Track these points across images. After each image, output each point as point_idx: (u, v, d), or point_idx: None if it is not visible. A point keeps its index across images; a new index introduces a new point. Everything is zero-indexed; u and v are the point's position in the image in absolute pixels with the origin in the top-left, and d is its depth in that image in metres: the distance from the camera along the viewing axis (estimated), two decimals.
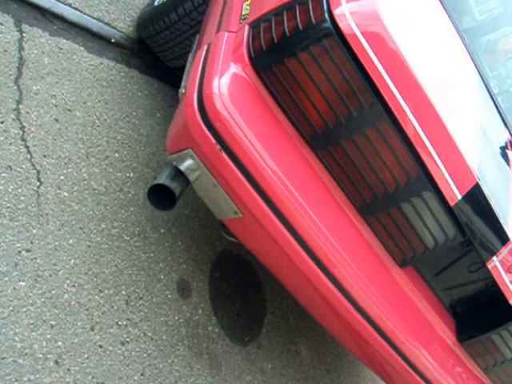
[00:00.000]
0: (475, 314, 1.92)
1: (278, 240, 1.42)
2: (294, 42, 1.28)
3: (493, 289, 1.80)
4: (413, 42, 1.36)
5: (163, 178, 1.41)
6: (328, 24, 1.25)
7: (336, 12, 1.25)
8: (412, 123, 1.33)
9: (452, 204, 1.47)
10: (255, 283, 2.30)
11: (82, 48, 2.05)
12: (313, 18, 1.26)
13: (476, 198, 1.51)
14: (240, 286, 2.21)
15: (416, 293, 1.82)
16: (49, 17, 1.98)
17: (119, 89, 2.12)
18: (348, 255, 1.53)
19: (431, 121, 1.38)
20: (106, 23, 2.21)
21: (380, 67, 1.28)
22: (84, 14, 2.14)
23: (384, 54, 1.27)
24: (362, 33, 1.25)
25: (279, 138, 1.38)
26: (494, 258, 1.63)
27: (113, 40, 2.24)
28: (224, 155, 1.31)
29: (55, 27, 1.98)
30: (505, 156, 1.84)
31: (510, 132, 1.92)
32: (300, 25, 1.28)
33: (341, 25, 1.25)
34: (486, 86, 1.68)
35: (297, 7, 1.32)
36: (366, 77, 1.29)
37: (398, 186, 1.44)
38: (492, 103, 1.76)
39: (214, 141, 1.29)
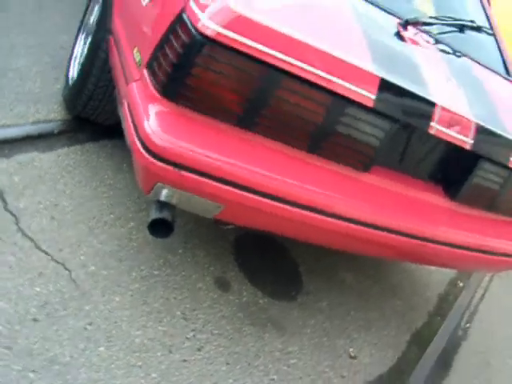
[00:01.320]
0: (449, 172, 2.20)
1: (258, 207, 1.72)
2: (184, 64, 1.56)
3: (448, 148, 2.09)
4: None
5: (153, 214, 1.72)
6: (198, 37, 1.53)
7: (198, 25, 1.54)
8: (307, 70, 1.62)
9: (372, 105, 1.75)
10: (276, 248, 2.61)
11: (35, 153, 2.34)
12: (186, 40, 1.54)
13: (387, 89, 1.78)
14: (265, 257, 2.53)
15: (395, 183, 2.10)
16: None
17: (83, 165, 2.41)
18: (320, 188, 1.83)
19: (319, 59, 1.66)
20: (43, 121, 2.50)
21: (256, 44, 1.57)
22: (21, 125, 2.41)
23: (250, 33, 1.55)
24: (223, 27, 1.53)
25: (216, 136, 1.66)
26: (432, 123, 1.90)
27: (55, 131, 2.53)
28: (184, 172, 1.60)
29: (6, 151, 2.27)
30: (400, 38, 2.11)
31: (396, 16, 2.19)
32: (180, 49, 1.56)
33: (207, 32, 1.53)
34: None
35: (171, 37, 1.60)
36: (249, 57, 1.58)
37: (323, 119, 1.73)
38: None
39: (170, 168, 1.59)
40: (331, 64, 1.67)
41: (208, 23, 1.53)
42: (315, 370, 2.18)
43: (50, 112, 2.61)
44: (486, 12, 2.97)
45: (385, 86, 1.76)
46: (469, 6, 2.93)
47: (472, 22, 2.49)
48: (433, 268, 3.24)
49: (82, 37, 2.66)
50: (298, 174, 1.76)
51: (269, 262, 2.52)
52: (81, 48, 2.61)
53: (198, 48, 1.54)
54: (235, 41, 1.55)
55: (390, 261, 2.98)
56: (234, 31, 1.54)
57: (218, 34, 1.53)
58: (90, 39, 2.44)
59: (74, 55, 2.69)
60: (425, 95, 1.87)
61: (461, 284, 3.44)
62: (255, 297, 2.29)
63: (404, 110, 1.83)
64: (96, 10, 2.52)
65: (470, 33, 2.51)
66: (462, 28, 2.44)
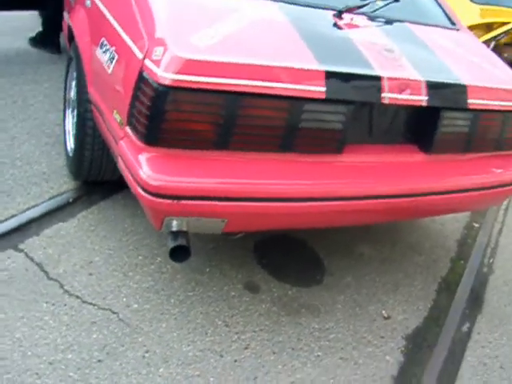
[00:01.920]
0: (418, 129, 2.41)
1: (256, 212, 1.97)
2: (155, 114, 1.83)
3: (409, 109, 2.31)
4: None
5: (170, 243, 1.98)
6: (160, 89, 1.79)
7: (157, 79, 1.80)
8: (260, 86, 1.89)
9: (325, 97, 1.99)
10: (293, 242, 2.86)
11: (59, 223, 2.64)
12: (151, 94, 1.81)
13: (333, 79, 2.02)
14: (285, 253, 2.78)
15: (371, 155, 2.32)
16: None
17: (103, 222, 2.70)
18: (304, 179, 2.08)
19: (267, 73, 1.92)
20: (57, 195, 2.79)
21: (210, 79, 1.83)
22: (40, 204, 2.71)
23: (202, 70, 1.81)
24: (178, 73, 1.79)
25: (200, 163, 1.92)
26: (383, 94, 2.13)
27: (71, 200, 2.82)
28: (183, 202, 1.86)
29: (34, 229, 2.56)
30: (337, 27, 2.35)
31: (330, 9, 2.43)
32: (149, 102, 1.83)
33: (166, 82, 1.79)
34: None
35: (139, 94, 1.87)
36: (209, 90, 1.84)
37: (287, 121, 1.98)
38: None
39: (170, 201, 1.85)
40: (279, 74, 1.93)
41: (165, 75, 1.79)
42: (355, 338, 2.41)
43: (62, 185, 2.90)
44: None
45: (331, 77, 2.00)
46: None
47: None
48: (446, 217, 3.45)
49: (68, 112, 2.96)
50: (280, 174, 2.01)
51: (290, 256, 2.77)
52: (70, 122, 2.90)
53: (163, 97, 1.80)
54: (192, 81, 1.81)
55: (399, 221, 3.19)
56: (187, 74, 1.80)
57: (175, 80, 1.79)
58: (75, 113, 2.72)
59: (67, 129, 2.99)
60: (369, 72, 2.11)
61: (476, 225, 3.62)
62: (284, 290, 2.54)
63: (354, 91, 2.07)
64: (73, 86, 2.80)
65: (406, 0, 2.72)
66: None
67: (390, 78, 2.13)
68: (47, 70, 4.22)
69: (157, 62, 1.82)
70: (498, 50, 4.84)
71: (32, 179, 2.92)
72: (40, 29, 4.50)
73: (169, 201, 1.84)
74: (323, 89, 1.97)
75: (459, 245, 3.34)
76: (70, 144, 2.90)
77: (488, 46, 4.73)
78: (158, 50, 1.85)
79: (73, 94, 2.83)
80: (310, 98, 1.97)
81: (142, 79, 1.87)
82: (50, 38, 4.32)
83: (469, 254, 3.27)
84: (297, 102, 1.95)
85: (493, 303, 2.88)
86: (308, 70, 1.98)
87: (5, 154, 3.08)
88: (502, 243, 3.50)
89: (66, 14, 3.37)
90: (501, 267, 3.21)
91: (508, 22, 4.61)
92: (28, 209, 2.70)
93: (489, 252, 3.36)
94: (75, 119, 2.74)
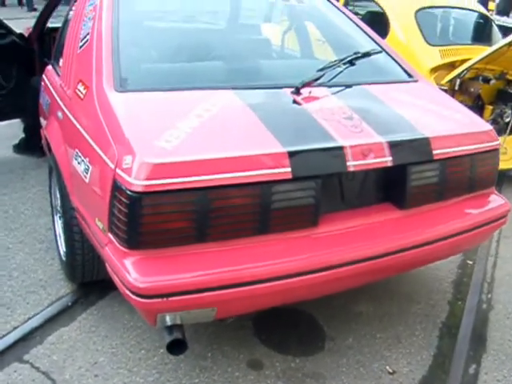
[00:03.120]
0: (388, 188, 2.51)
1: (242, 296, 2.04)
2: (133, 219, 1.92)
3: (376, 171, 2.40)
4: None
5: (167, 338, 2.05)
6: (134, 195, 1.90)
7: (130, 186, 1.90)
8: (226, 177, 2.01)
9: (291, 176, 2.09)
10: (290, 313, 2.91)
11: (61, 328, 2.71)
12: (126, 201, 1.91)
13: (297, 157, 2.12)
14: (283, 325, 2.83)
15: (346, 220, 2.39)
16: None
17: (103, 321, 2.77)
18: (284, 257, 2.15)
19: (232, 164, 2.03)
20: (56, 300, 2.88)
21: (180, 179, 1.93)
22: (40, 312, 2.79)
23: (171, 171, 1.92)
24: (148, 178, 1.90)
25: (182, 259, 2.00)
26: (348, 163, 2.23)
27: (69, 303, 2.89)
28: (171, 298, 1.93)
29: (37, 337, 2.62)
30: (295, 103, 2.47)
31: (288, 87, 2.55)
32: (125, 209, 1.92)
33: (139, 189, 1.90)
34: None
35: (115, 202, 1.97)
36: (180, 190, 1.94)
37: (259, 205, 2.08)
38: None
39: (159, 300, 1.92)
40: (244, 162, 2.03)
41: (136, 182, 1.90)
42: None
43: (59, 289, 2.98)
44: (370, 36, 3.34)
45: (294, 156, 2.10)
46: (354, 40, 3.30)
47: (356, 53, 2.82)
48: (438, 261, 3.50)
49: (56, 218, 3.06)
50: (261, 256, 2.09)
51: (288, 327, 2.81)
52: (59, 228, 3.00)
53: (138, 203, 1.90)
54: (163, 184, 1.92)
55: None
56: (157, 178, 1.91)
57: (147, 186, 1.90)
58: (62, 220, 2.82)
59: (58, 234, 3.08)
60: (330, 144, 2.22)
61: (470, 262, 3.67)
62: (287, 362, 2.58)
63: (319, 165, 2.17)
64: (57, 193, 2.91)
65: (362, 62, 2.85)
66: (352, 62, 2.78)
67: (352, 146, 2.23)
68: (33, 174, 4.36)
69: (127, 171, 1.93)
70: (464, 85, 5.00)
71: (30, 288, 2.99)
72: (22, 135, 4.63)
73: (158, 299, 1.92)
74: (289, 169, 2.07)
75: (455, 285, 3.38)
76: (62, 248, 2.98)
77: (454, 84, 4.89)
78: (127, 159, 1.95)
79: (58, 202, 2.93)
80: (278, 180, 2.06)
81: (116, 188, 1.97)
82: (33, 143, 4.45)
83: (466, 294, 3.31)
84: (266, 185, 2.05)
85: (496, 340, 2.91)
86: (271, 154, 2.08)
87: (1, 267, 3.16)
88: (498, 276, 3.55)
89: (42, 121, 3.50)
90: (500, 301, 3.25)
91: (468, 59, 4.76)
92: (29, 318, 2.77)
93: (486, 288, 3.41)
94: (63, 226, 2.82)
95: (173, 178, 1.91)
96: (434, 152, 2.43)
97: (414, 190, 2.45)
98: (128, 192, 1.90)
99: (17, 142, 4.70)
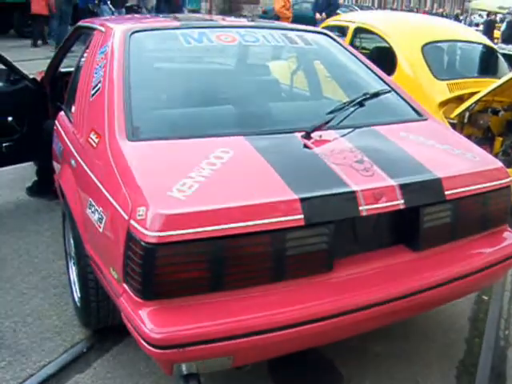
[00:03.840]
0: (402, 230, 2.51)
1: (258, 344, 2.04)
2: (148, 270, 1.94)
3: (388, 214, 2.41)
4: None
5: None
6: (149, 247, 1.91)
7: (145, 238, 1.92)
8: (242, 226, 2.03)
9: (304, 223, 2.10)
10: (305, 355, 2.88)
11: (77, 375, 2.71)
12: (141, 252, 1.93)
13: (309, 204, 2.13)
14: (299, 367, 2.81)
15: (361, 264, 2.39)
16: None
17: (119, 367, 2.77)
18: (297, 304, 2.15)
19: (246, 213, 2.04)
20: (71, 347, 2.88)
21: (194, 229, 1.94)
22: (55, 359, 2.79)
23: (185, 223, 1.93)
24: (163, 230, 1.92)
25: (198, 308, 2.01)
26: (360, 207, 2.24)
27: (84, 350, 2.89)
28: (188, 348, 1.94)
29: None
30: (306, 148, 2.48)
31: (298, 131, 2.57)
32: (140, 261, 1.94)
33: (153, 241, 1.91)
34: None
35: (130, 253, 1.99)
36: (195, 240, 1.95)
37: (273, 253, 2.09)
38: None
39: (176, 350, 1.93)
40: (257, 211, 2.05)
41: (151, 233, 1.92)
42: None
43: (74, 336, 2.98)
44: (378, 75, 3.37)
45: (306, 203, 2.11)
46: (362, 81, 3.33)
47: (365, 94, 2.84)
48: None
49: (71, 264, 3.08)
50: (276, 303, 2.09)
51: (304, 370, 2.79)
52: (74, 273, 3.01)
53: (153, 255, 1.92)
54: (177, 235, 1.93)
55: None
56: (172, 229, 1.92)
57: (162, 237, 1.91)
58: (76, 267, 2.84)
59: (72, 279, 3.09)
60: (342, 189, 2.22)
61: (486, 298, 3.64)
62: None
63: (331, 210, 2.18)
64: (71, 240, 2.93)
65: (371, 102, 2.87)
66: (361, 103, 2.80)
67: (363, 190, 2.24)
68: (47, 218, 4.38)
69: (142, 222, 1.94)
70: (473, 118, 5.01)
71: (45, 334, 2.99)
72: (35, 178, 4.68)
73: (174, 350, 1.92)
74: (301, 216, 2.08)
75: (472, 322, 3.35)
76: (77, 294, 2.99)
77: (463, 117, 4.90)
78: (141, 210, 1.97)
79: (72, 248, 2.95)
80: (291, 227, 2.06)
81: (130, 239, 1.98)
82: (46, 186, 4.50)
83: (483, 331, 3.27)
84: (279, 233, 2.06)
85: None
86: (283, 201, 2.10)
87: (16, 312, 3.17)
88: None
89: (55, 166, 3.53)
90: None
91: (476, 92, 4.79)
92: (44, 366, 2.77)
93: (503, 324, 3.37)
94: (77, 272, 2.84)
95: (187, 229, 1.93)
96: (446, 192, 2.43)
97: (427, 232, 2.45)
98: (142, 243, 1.91)
99: (30, 184, 4.74)
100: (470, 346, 3.13)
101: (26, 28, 14.42)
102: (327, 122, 2.62)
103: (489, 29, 10.12)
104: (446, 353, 3.04)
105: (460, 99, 4.97)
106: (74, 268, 3.03)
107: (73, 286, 3.08)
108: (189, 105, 2.83)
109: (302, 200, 2.11)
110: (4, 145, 4.23)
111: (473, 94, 4.84)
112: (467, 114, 4.86)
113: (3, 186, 5.07)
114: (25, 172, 5.05)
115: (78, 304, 2.95)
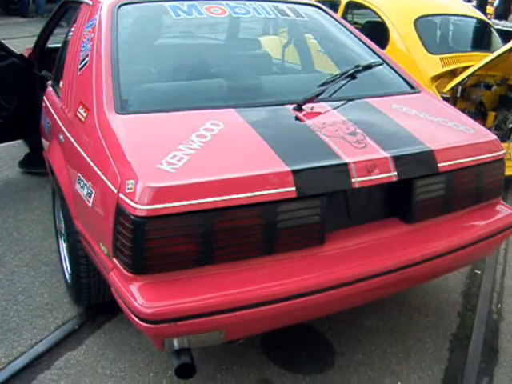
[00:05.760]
0: (394, 202, 2.49)
1: (250, 318, 2.02)
2: (137, 244, 1.91)
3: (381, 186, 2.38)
4: None
5: (174, 362, 2.03)
6: (138, 220, 1.88)
7: (134, 211, 1.89)
8: (231, 199, 2.00)
9: (296, 195, 2.07)
10: (298, 329, 2.88)
11: (68, 353, 2.69)
12: (130, 226, 1.90)
13: (301, 176, 2.10)
14: (292, 342, 2.81)
15: (353, 237, 2.37)
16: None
17: (111, 343, 2.75)
18: (291, 277, 2.13)
19: (236, 185, 2.01)
20: (63, 324, 2.86)
21: (183, 202, 1.91)
22: (47, 336, 2.79)
23: (174, 195, 1.90)
24: (152, 203, 1.89)
25: (188, 283, 1.98)
26: (353, 179, 2.21)
27: (76, 327, 2.87)
28: (179, 323, 1.91)
29: (45, 362, 2.60)
30: (297, 120, 2.45)
31: (289, 103, 2.53)
32: (129, 234, 1.90)
33: (142, 213, 1.88)
34: None
35: (119, 227, 1.95)
36: (184, 213, 1.92)
37: (264, 226, 2.06)
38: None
39: (167, 325, 1.90)
40: (247, 183, 2.02)
41: (140, 206, 1.89)
42: None
43: (66, 313, 2.96)
44: (370, 48, 3.32)
45: (298, 175, 2.08)
46: (354, 54, 3.28)
47: (357, 66, 2.80)
48: None
49: (61, 241, 3.05)
50: (267, 276, 2.07)
51: (297, 344, 2.79)
52: (64, 250, 2.98)
53: (142, 228, 1.89)
54: (166, 207, 1.90)
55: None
56: (161, 202, 1.89)
57: (151, 210, 1.88)
58: (66, 243, 2.81)
59: (62, 257, 3.06)
60: (334, 161, 2.19)
61: (478, 272, 3.64)
62: (297, 380, 2.56)
63: (323, 183, 2.15)
64: (61, 216, 2.89)
65: (363, 75, 2.83)
66: (353, 75, 2.76)
67: (356, 162, 2.21)
68: (37, 196, 4.34)
69: (130, 195, 1.91)
70: (466, 92, 4.98)
71: (36, 312, 2.97)
72: (27, 151, 4.63)
73: (165, 324, 1.90)
74: (293, 188, 2.06)
75: (464, 296, 3.35)
76: (68, 271, 2.96)
77: (456, 91, 4.87)
78: (130, 183, 1.94)
79: (62, 225, 2.91)
80: (282, 200, 2.03)
81: (119, 213, 1.95)
82: (38, 158, 4.38)
83: (475, 304, 3.28)
84: (270, 205, 2.03)
85: (509, 351, 2.89)
86: (275, 173, 2.06)
87: (7, 291, 3.14)
88: (508, 285, 3.52)
89: (44, 143, 3.48)
90: (510, 311, 3.22)
91: (469, 66, 4.75)
92: (36, 343, 2.75)
93: (495, 298, 3.38)
94: (67, 249, 2.81)
95: (177, 202, 1.89)
96: (439, 165, 2.41)
97: (420, 204, 2.43)
98: (132, 217, 1.88)
99: (21, 158, 4.69)
100: (462, 320, 3.13)
101: (13, 5, 14.18)
102: (319, 95, 2.59)
103: (482, 4, 9.99)
104: (438, 326, 3.04)
105: (453, 73, 4.94)
106: (64, 245, 3.00)
107: (64, 263, 3.06)
108: (178, 78, 2.78)
109: (294, 172, 2.07)
110: None
111: (466, 68, 4.81)
112: (460, 89, 4.84)
113: None
114: (14, 150, 4.99)
115: (69, 281, 2.93)
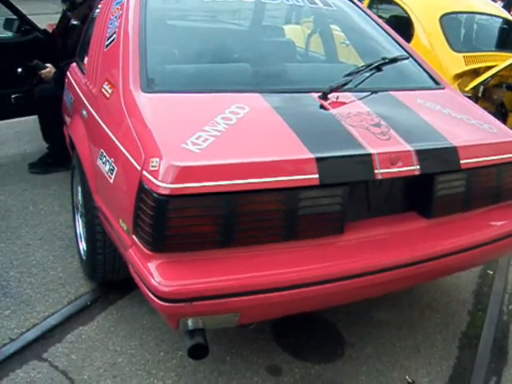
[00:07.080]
0: (415, 196, 2.48)
1: (266, 303, 2.02)
2: (159, 222, 1.91)
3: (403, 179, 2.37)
4: None
5: (188, 343, 2.03)
6: (160, 198, 1.88)
7: (157, 189, 1.89)
8: (255, 182, 1.98)
9: (318, 183, 2.07)
10: (309, 317, 2.89)
11: (80, 327, 2.71)
12: (153, 204, 1.89)
13: (324, 164, 2.09)
14: (303, 330, 2.81)
15: (372, 228, 2.37)
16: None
17: (122, 321, 2.77)
18: (307, 264, 2.13)
19: (261, 169, 2.01)
20: (75, 299, 2.87)
21: (206, 183, 1.91)
22: (59, 310, 2.81)
23: (198, 175, 1.90)
24: (175, 182, 1.88)
25: (207, 263, 1.98)
26: (376, 171, 2.20)
27: (89, 302, 2.88)
28: (195, 303, 1.92)
29: (56, 336, 2.62)
30: (323, 108, 2.44)
31: (314, 91, 2.52)
32: (151, 212, 1.90)
33: (165, 192, 1.88)
34: None
35: (141, 205, 1.96)
36: (208, 194, 1.92)
37: (285, 212, 2.06)
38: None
39: (183, 304, 1.91)
40: (272, 168, 2.01)
41: (163, 185, 1.88)
42: None
43: (78, 288, 2.98)
44: (397, 42, 3.31)
45: (322, 163, 2.07)
46: (380, 46, 3.27)
47: (384, 58, 2.79)
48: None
49: (77, 217, 3.06)
50: (286, 262, 2.07)
51: (308, 333, 2.80)
52: (80, 226, 2.99)
53: (165, 206, 1.88)
54: (190, 187, 1.89)
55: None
56: (185, 181, 1.88)
57: (174, 189, 1.88)
58: (83, 219, 2.82)
59: (78, 232, 3.07)
60: (358, 151, 2.18)
61: (491, 272, 3.63)
62: (306, 368, 2.56)
63: (346, 172, 2.14)
64: (79, 192, 2.90)
65: (388, 67, 2.82)
66: (379, 68, 2.75)
67: (380, 154, 2.20)
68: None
69: (154, 173, 1.91)
70: (487, 92, 4.95)
71: (49, 285, 3.00)
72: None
73: (182, 304, 1.90)
74: (316, 175, 2.05)
75: (476, 295, 3.35)
76: (83, 246, 2.97)
77: (478, 90, 4.84)
78: (155, 161, 1.94)
79: (80, 200, 2.93)
80: (305, 186, 2.03)
81: (142, 190, 1.95)
82: (61, 157, 4.28)
83: (486, 304, 3.27)
84: (293, 191, 2.02)
85: None
86: (299, 160, 2.06)
87: (21, 263, 3.17)
88: None
89: (65, 118, 3.49)
90: None
91: (492, 66, 4.71)
92: (48, 316, 2.78)
93: (507, 299, 3.37)
94: (84, 225, 2.82)
95: (200, 182, 1.89)
96: (462, 161, 2.39)
97: (440, 200, 2.41)
98: (154, 195, 1.88)
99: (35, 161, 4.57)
100: (472, 319, 3.13)
101: None
102: (344, 84, 2.57)
103: (508, 4, 9.91)
104: (448, 324, 3.04)
105: (475, 72, 4.90)
106: (80, 220, 3.01)
107: (79, 238, 3.07)
108: (204, 60, 2.78)
109: (318, 159, 2.07)
110: (13, 96, 4.18)
111: (489, 67, 4.77)
112: (482, 88, 4.80)
113: (10, 139, 5.05)
114: (33, 124, 5.00)
115: (84, 257, 2.95)
